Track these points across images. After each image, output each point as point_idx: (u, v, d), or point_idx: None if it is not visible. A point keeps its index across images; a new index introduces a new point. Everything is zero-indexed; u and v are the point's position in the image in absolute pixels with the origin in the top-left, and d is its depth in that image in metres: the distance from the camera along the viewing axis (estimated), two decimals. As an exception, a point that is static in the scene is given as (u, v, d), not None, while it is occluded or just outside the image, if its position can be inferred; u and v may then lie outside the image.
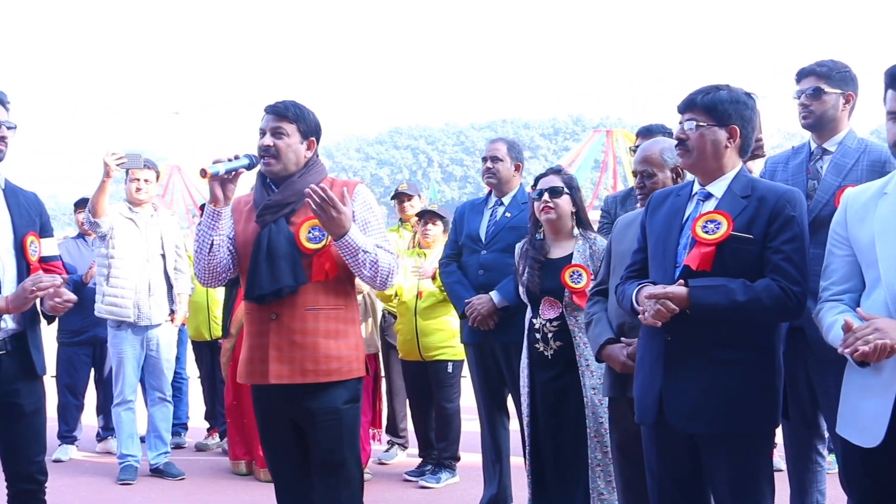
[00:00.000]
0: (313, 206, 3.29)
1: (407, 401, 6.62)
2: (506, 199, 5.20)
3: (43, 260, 3.67)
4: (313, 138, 3.58)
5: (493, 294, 4.94)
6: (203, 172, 3.34)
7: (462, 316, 5.12)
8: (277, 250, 3.41)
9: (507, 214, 5.13)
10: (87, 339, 7.02)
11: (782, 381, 3.09)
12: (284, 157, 3.49)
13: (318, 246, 3.44)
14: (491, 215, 5.21)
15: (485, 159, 5.22)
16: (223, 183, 3.43)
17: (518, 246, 4.60)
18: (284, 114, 3.50)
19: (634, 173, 3.92)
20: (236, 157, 3.46)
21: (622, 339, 3.69)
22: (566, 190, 4.39)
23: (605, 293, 3.87)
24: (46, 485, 3.76)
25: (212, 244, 3.46)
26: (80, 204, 7.25)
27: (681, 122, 3.13)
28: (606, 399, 4.00)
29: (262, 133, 3.52)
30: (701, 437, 3.05)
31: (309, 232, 3.44)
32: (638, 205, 3.95)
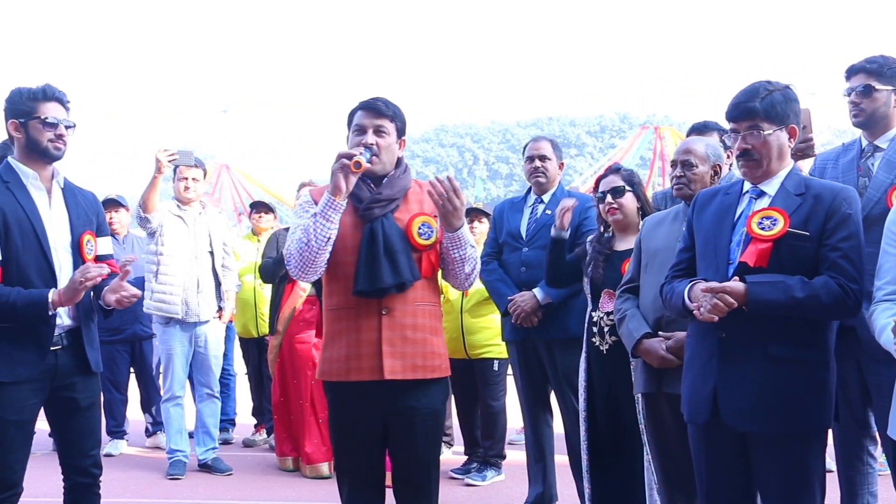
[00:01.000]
0: (436, 197, 3.29)
1: (453, 398, 6.63)
2: (546, 197, 5.18)
3: (98, 259, 3.73)
4: (404, 137, 3.56)
5: (537, 291, 4.94)
6: (358, 165, 3.26)
7: (504, 313, 5.12)
8: (394, 245, 3.37)
9: (548, 212, 5.10)
10: (125, 336, 7.19)
11: (835, 380, 3.05)
12: (385, 155, 3.45)
13: (429, 242, 3.43)
14: (531, 213, 5.20)
15: (531, 158, 5.20)
16: (347, 175, 3.33)
17: (588, 241, 4.59)
18: (385, 112, 3.45)
19: (674, 163, 3.90)
20: (360, 152, 3.35)
21: (659, 333, 3.67)
22: (628, 188, 4.38)
23: (634, 290, 3.86)
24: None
25: (329, 238, 3.35)
26: (107, 204, 7.33)
27: (740, 132, 3.06)
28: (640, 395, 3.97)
29: (361, 130, 3.44)
30: (753, 437, 3.00)
31: (419, 228, 3.42)
32: (674, 192, 3.93)
